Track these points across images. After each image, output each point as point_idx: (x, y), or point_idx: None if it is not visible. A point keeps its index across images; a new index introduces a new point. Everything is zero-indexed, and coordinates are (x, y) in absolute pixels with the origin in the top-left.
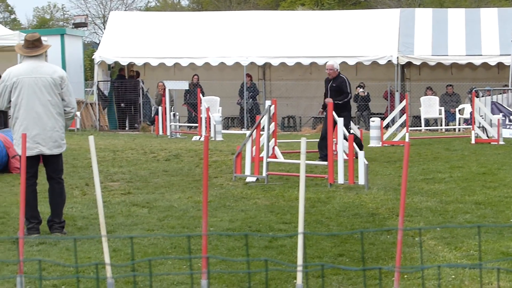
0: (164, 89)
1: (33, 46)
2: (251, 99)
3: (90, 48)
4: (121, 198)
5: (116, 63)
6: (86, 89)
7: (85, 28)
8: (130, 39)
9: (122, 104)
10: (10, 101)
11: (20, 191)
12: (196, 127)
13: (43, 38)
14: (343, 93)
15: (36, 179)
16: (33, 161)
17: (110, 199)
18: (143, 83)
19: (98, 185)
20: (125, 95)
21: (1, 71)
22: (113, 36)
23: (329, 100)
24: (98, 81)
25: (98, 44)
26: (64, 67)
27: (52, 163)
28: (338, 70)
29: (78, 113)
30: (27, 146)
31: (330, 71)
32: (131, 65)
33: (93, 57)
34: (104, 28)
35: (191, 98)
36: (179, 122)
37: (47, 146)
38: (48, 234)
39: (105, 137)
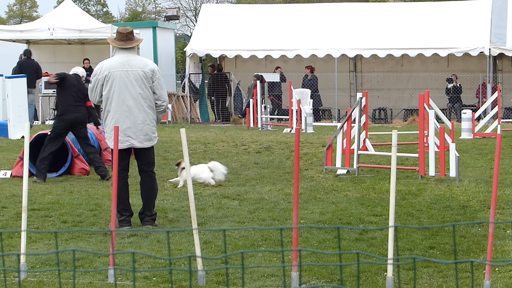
0: (257, 81)
1: (127, 39)
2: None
3: (181, 40)
4: (212, 190)
5: (208, 55)
6: (177, 81)
7: (177, 21)
8: (222, 32)
9: (212, 97)
10: (102, 95)
11: (112, 184)
12: (286, 119)
13: (135, 31)
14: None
15: (127, 172)
16: (124, 154)
17: (201, 191)
18: (233, 76)
19: (190, 177)
20: (214, 88)
21: (94, 64)
22: (204, 28)
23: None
24: (189, 74)
25: (190, 36)
26: (155, 59)
27: (144, 156)
28: None
29: (169, 106)
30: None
31: None
32: (222, 57)
33: (184, 50)
34: (196, 21)
35: (275, 90)
36: (270, 115)
37: (137, 139)
38: (139, 227)
39: (196, 129)
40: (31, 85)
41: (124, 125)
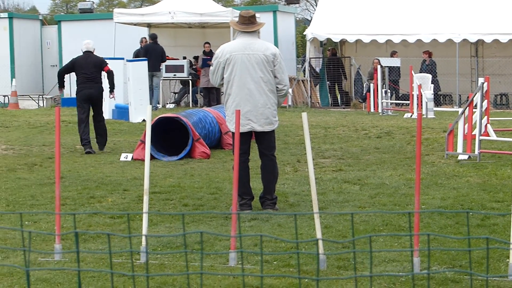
0: (377, 66)
1: (249, 23)
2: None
3: (301, 25)
4: (332, 175)
5: (328, 39)
6: (297, 66)
7: (297, 5)
8: (342, 16)
9: (328, 82)
10: (223, 77)
11: (232, 167)
12: (407, 104)
13: (255, 15)
14: None
15: (248, 156)
16: (245, 138)
17: (322, 175)
18: (355, 60)
19: (311, 161)
20: (329, 73)
21: (214, 48)
22: (325, 12)
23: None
24: (309, 58)
25: (310, 21)
26: (276, 43)
27: (264, 140)
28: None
29: (290, 90)
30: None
31: None
32: (343, 42)
33: (304, 34)
34: (316, 5)
35: (392, 75)
36: (390, 99)
37: (258, 122)
38: (260, 210)
39: (317, 113)
40: (156, 68)
41: (245, 108)
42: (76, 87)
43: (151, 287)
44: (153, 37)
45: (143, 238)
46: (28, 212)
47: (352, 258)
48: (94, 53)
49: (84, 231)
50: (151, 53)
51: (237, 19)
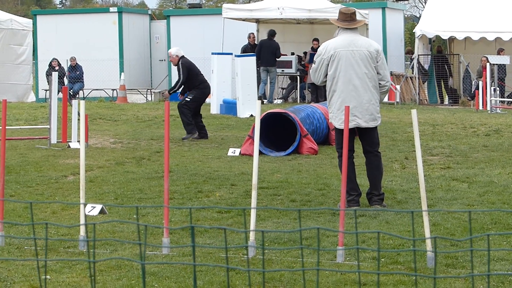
0: (486, 63)
1: (351, 19)
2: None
3: (410, 22)
4: (440, 172)
5: (437, 37)
6: (406, 62)
7: (406, 2)
8: (451, 13)
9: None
10: (326, 75)
11: (339, 164)
12: None
13: (364, 12)
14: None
15: (353, 152)
16: (350, 134)
17: (430, 173)
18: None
19: (420, 159)
20: (438, 70)
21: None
22: (434, 10)
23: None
24: (418, 55)
25: (418, 18)
26: (384, 40)
27: (368, 136)
28: (178, 56)
29: (398, 87)
30: (343, 119)
31: (171, 59)
32: (451, 39)
33: (413, 31)
34: (425, 2)
35: (499, 73)
36: (499, 97)
37: (363, 118)
38: (367, 207)
39: (425, 111)
40: (270, 63)
41: (350, 105)
42: (198, 86)
43: (259, 282)
44: (271, 33)
45: (251, 234)
46: (142, 206)
47: (461, 256)
48: None
49: (199, 226)
50: (266, 49)
51: (336, 16)
